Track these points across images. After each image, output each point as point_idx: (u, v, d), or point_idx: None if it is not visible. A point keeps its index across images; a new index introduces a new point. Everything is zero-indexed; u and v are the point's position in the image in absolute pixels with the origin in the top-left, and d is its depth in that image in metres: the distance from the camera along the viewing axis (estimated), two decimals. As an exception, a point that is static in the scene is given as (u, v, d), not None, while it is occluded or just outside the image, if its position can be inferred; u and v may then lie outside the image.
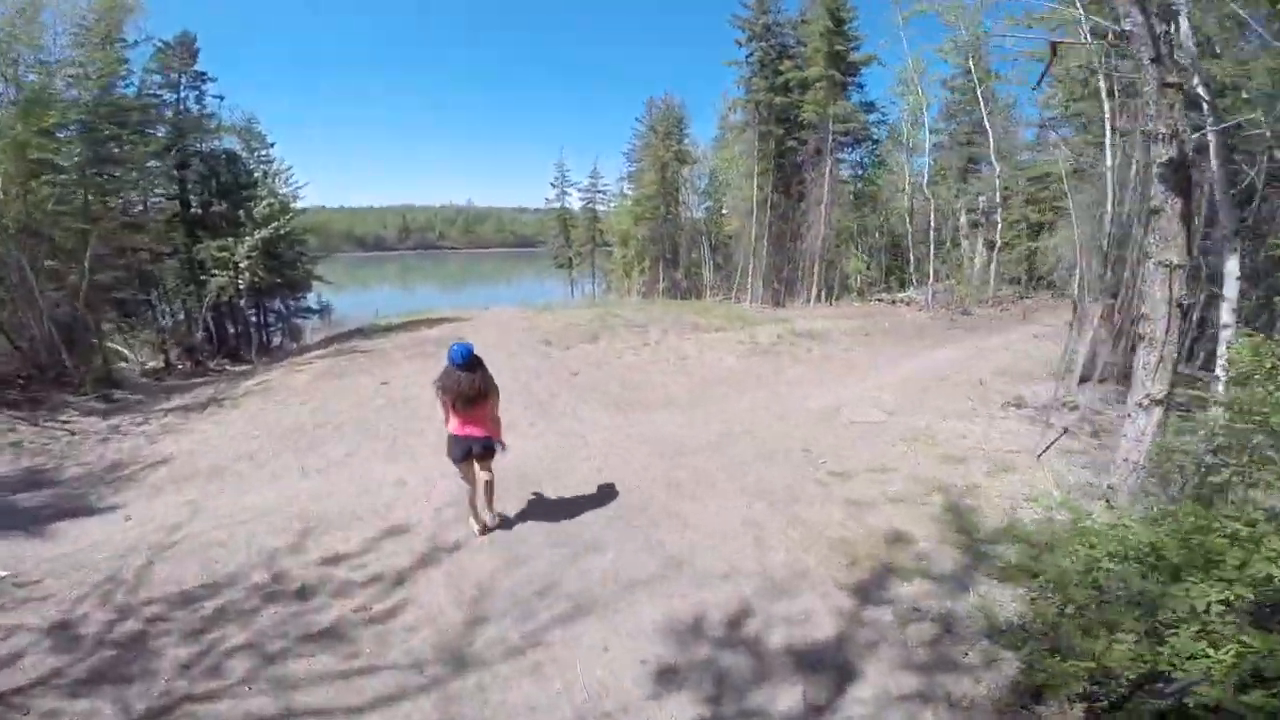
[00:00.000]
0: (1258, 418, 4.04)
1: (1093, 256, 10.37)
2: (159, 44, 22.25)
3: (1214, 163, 5.26)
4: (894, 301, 19.92)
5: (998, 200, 20.26)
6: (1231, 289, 5.09)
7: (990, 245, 21.05)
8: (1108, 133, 10.17)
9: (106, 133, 12.35)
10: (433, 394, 5.15)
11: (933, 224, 20.63)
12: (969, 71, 22.51)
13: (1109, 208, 9.80)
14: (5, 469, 7.44)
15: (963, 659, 4.05)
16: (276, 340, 28.24)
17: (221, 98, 25.18)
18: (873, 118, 25.28)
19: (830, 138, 22.41)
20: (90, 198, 12.12)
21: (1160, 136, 3.19)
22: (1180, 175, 3.17)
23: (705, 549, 5.22)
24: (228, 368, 21.51)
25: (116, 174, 14.10)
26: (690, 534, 5.45)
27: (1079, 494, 6.24)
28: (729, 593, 4.63)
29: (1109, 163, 9.97)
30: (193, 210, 25.07)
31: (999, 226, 20.44)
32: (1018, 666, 3.93)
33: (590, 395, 9.08)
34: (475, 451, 5.02)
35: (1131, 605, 3.17)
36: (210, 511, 5.91)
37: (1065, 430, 8.13)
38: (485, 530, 5.33)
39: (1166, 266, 3.34)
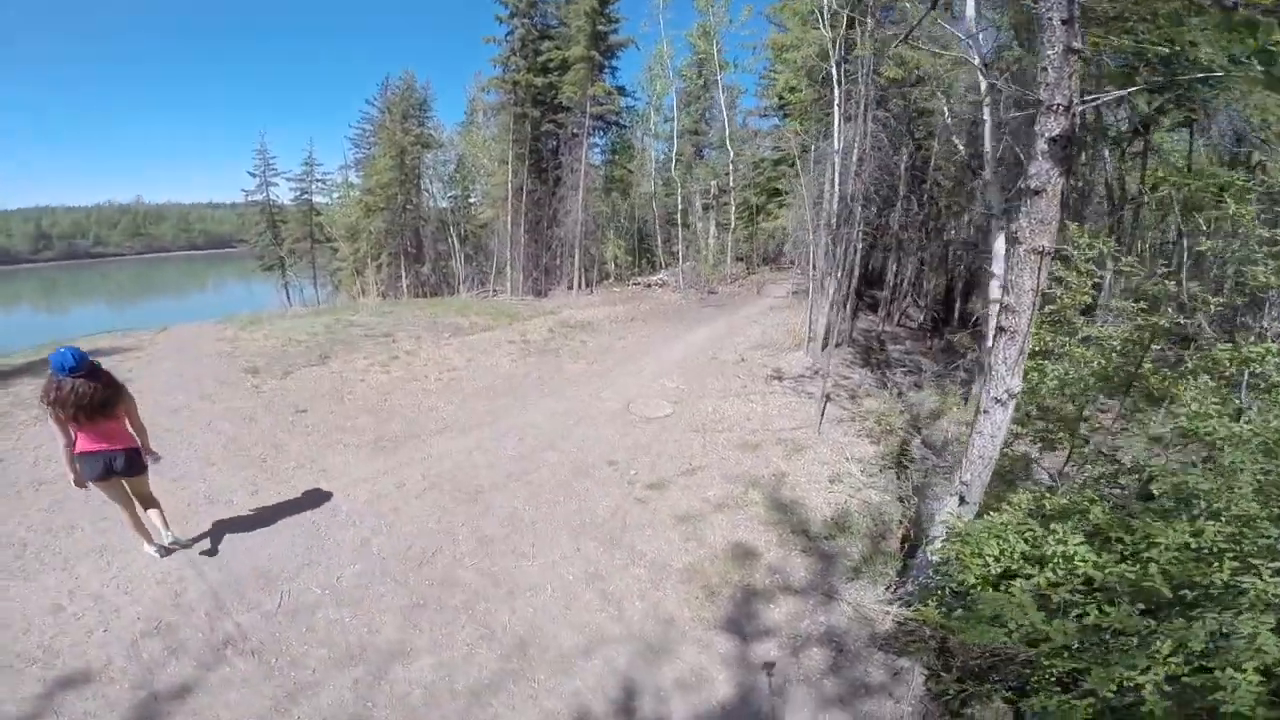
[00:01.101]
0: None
1: (821, 234, 11.38)
2: None
3: (988, 140, 5.63)
4: (649, 285, 20.38)
5: (730, 184, 22.03)
6: (999, 265, 5.50)
7: (722, 227, 22.90)
8: (837, 119, 11.15)
9: None
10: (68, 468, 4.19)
11: (679, 206, 21.60)
12: (702, 61, 24.02)
13: (834, 188, 10.79)
14: None
15: (868, 678, 3.89)
16: None
17: None
18: (624, 102, 25.50)
19: (587, 121, 21.93)
20: None
21: (1055, 108, 2.92)
22: (1067, 153, 2.92)
23: (549, 620, 4.24)
24: None
25: None
26: (523, 604, 4.38)
27: (868, 468, 6.54)
28: (601, 672, 3.83)
29: (836, 146, 10.95)
30: None
31: (732, 208, 22.27)
32: (921, 674, 3.80)
33: (332, 436, 7.05)
34: (118, 467, 4.26)
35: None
36: None
37: (828, 398, 8.67)
38: (165, 552, 4.61)
39: (1038, 253, 3.13)
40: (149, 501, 4.63)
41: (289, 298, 32.75)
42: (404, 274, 26.63)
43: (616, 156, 26.75)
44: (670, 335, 13.32)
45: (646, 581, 4.74)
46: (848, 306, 11.56)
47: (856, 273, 11.30)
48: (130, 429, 4.36)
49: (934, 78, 10.79)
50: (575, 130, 22.77)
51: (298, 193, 34.79)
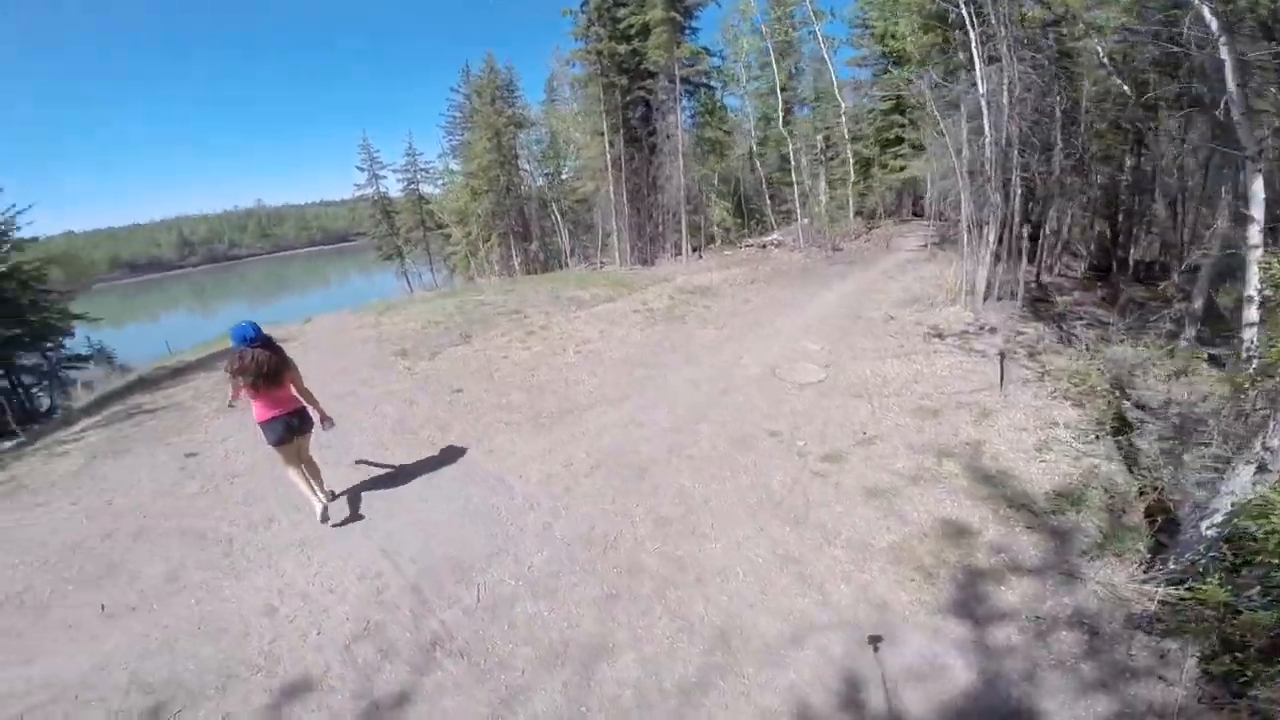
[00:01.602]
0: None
1: (967, 181, 10.27)
2: None
3: (1231, 80, 4.69)
4: (763, 246, 19.50)
5: (845, 135, 20.55)
6: (1258, 210, 4.59)
7: (837, 181, 21.47)
8: (977, 63, 9.96)
9: None
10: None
11: (793, 163, 20.41)
12: (786, 14, 22.45)
13: (990, 132, 9.64)
14: None
15: (1131, 661, 3.43)
16: (45, 403, 22.03)
17: None
18: (713, 62, 24.40)
19: (678, 85, 21.13)
20: None
21: None
22: None
23: (746, 608, 3.95)
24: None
25: None
26: (715, 591, 4.12)
27: (1081, 434, 5.74)
28: (816, 663, 3.52)
29: (982, 89, 9.78)
30: None
31: (850, 161, 20.80)
32: (1193, 655, 3.32)
33: (490, 415, 7.10)
34: (295, 426, 4.74)
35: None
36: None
37: (1003, 356, 7.78)
38: (326, 512, 4.90)
39: None
40: (309, 460, 5.06)
41: (409, 284, 34.49)
42: (514, 253, 27.14)
43: (709, 118, 25.68)
44: (800, 295, 12.63)
45: (848, 563, 4.34)
46: (1009, 256, 10.37)
47: (1018, 219, 10.10)
48: (297, 394, 4.81)
49: (1079, 17, 9.39)
50: (664, 95, 22.07)
51: (405, 183, 36.37)
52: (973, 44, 10.10)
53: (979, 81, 9.99)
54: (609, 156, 21.92)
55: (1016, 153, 9.81)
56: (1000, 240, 10.06)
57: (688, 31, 22.55)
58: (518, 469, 5.78)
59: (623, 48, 22.29)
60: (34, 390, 22.65)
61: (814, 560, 4.38)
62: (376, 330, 11.17)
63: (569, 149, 30.95)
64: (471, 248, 28.04)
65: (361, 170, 36.88)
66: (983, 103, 9.90)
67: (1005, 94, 9.54)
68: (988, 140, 9.68)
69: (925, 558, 4.34)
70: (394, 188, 37.25)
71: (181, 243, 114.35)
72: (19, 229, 21.17)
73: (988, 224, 9.74)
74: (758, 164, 21.04)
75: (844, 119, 20.27)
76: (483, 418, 7.09)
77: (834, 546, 4.52)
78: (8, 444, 15.95)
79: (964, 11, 10.25)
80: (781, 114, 21.81)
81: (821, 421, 6.48)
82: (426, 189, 36.16)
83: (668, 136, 20.85)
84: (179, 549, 5.15)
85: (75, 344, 23.70)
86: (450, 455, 6.18)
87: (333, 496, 5.18)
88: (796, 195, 19.65)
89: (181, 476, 6.39)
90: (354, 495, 5.47)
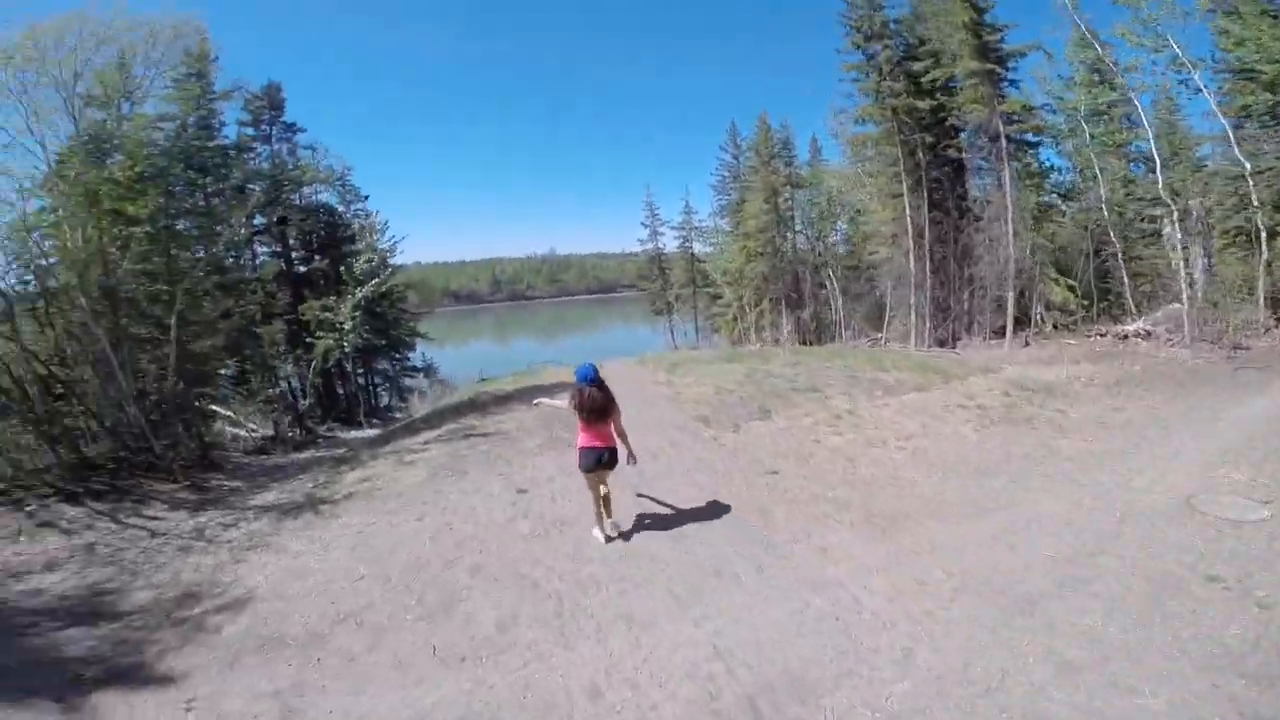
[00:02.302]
0: None
1: None
2: (247, 94, 21.96)
3: None
4: (1123, 337, 15.44)
5: (1253, 199, 15.57)
6: None
7: (1224, 258, 16.42)
8: None
9: (184, 179, 11.17)
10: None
11: (1177, 232, 16.16)
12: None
13: None
14: (70, 583, 6.04)
15: None
16: (384, 400, 27.40)
17: (313, 149, 24.72)
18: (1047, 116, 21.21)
19: (1003, 142, 18.63)
20: (173, 252, 10.69)
21: None
22: None
23: None
24: (338, 433, 20.35)
25: (196, 228, 12.87)
26: None
27: None
28: None
29: None
30: (296, 268, 24.63)
31: (1263, 231, 15.68)
32: None
33: (813, 507, 6.21)
34: (604, 460, 5.37)
35: None
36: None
37: None
38: (609, 539, 5.57)
39: None
40: (607, 495, 5.73)
41: (674, 339, 36.08)
42: (784, 319, 26.45)
43: (1039, 179, 22.13)
44: (1199, 408, 9.53)
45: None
46: None
47: None
48: (614, 433, 5.45)
49: None
50: (981, 154, 19.64)
51: (681, 240, 38.53)
52: None
53: None
54: (909, 221, 20.06)
55: None
56: None
57: (1004, 84, 20.09)
58: (859, 577, 4.91)
59: (923, 103, 20.56)
60: (377, 390, 28.28)
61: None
62: (670, 389, 11.11)
63: (843, 212, 29.51)
64: (740, 310, 28.03)
65: (645, 226, 40.15)
66: None
67: None
68: None
69: None
70: (671, 244, 39.75)
71: (493, 280, 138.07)
72: (396, 255, 26.79)
73: None
74: (1111, 232, 17.07)
75: (1248, 176, 15.40)
76: (805, 508, 6.25)
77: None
78: (364, 432, 19.64)
79: None
80: (1156, 172, 17.52)
81: (1280, 570, 4.45)
82: (699, 248, 37.83)
83: (988, 202, 18.31)
84: (512, 597, 5.09)
85: (413, 357, 29.09)
86: (776, 547, 5.50)
87: (617, 530, 5.69)
88: (1182, 273, 15.21)
89: (514, 513, 6.58)
90: (683, 567, 5.17)
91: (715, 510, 6.22)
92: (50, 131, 9.12)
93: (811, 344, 23.32)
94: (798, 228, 29.49)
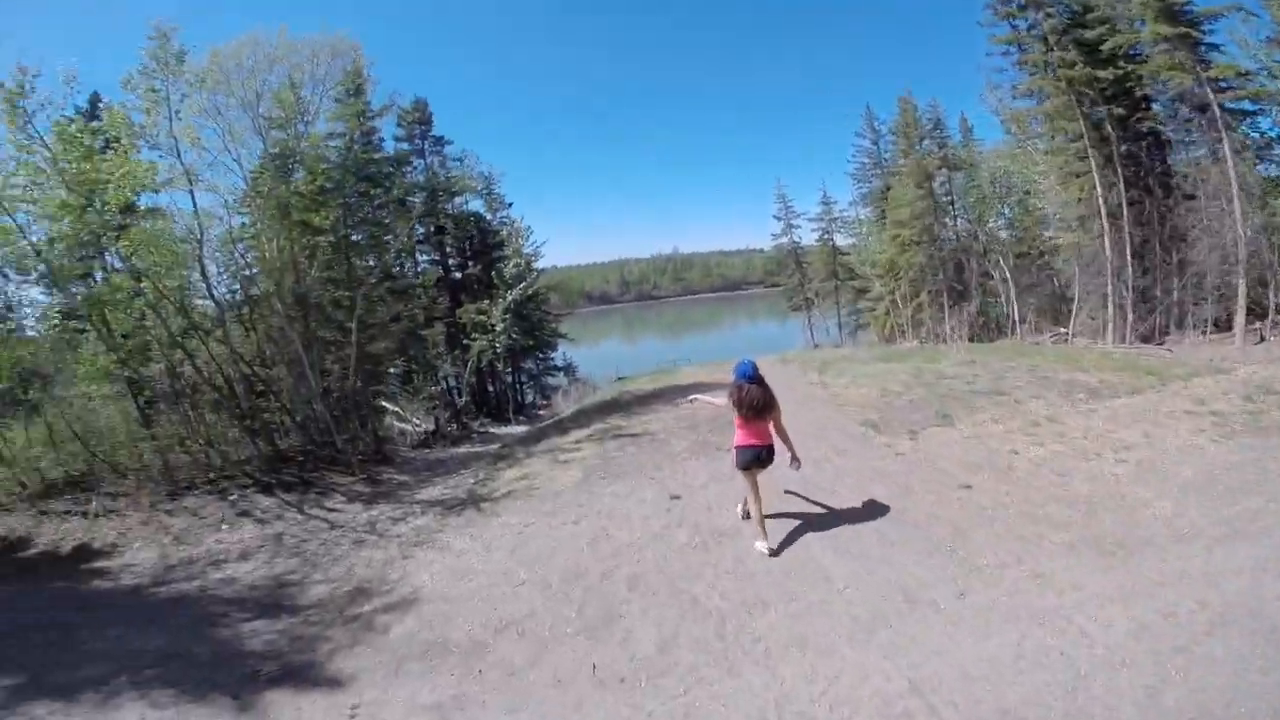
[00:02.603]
0: None
1: None
2: (400, 110, 23.79)
3: None
4: None
5: None
6: None
7: None
8: None
9: (356, 191, 12.10)
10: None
11: None
12: None
13: None
14: (259, 573, 6.56)
15: None
16: (529, 398, 28.78)
17: (462, 159, 26.40)
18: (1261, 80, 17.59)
19: (1218, 111, 15.52)
20: (351, 260, 11.64)
21: None
22: None
23: None
24: (490, 429, 21.57)
25: (369, 237, 13.97)
26: None
27: None
28: None
29: None
30: (453, 274, 26.52)
31: None
32: None
33: (1022, 528, 5.26)
34: (762, 458, 5.23)
35: None
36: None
37: None
38: (773, 554, 5.19)
39: None
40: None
41: (812, 335, 34.45)
42: (947, 314, 24.01)
43: (1261, 151, 18.31)
44: None
45: None
46: None
47: None
48: (774, 432, 5.29)
49: None
50: (1178, 125, 16.48)
51: (820, 233, 36.64)
52: None
53: None
54: (1099, 202, 17.28)
55: None
56: None
57: (1202, 48, 16.81)
58: (1088, 608, 4.13)
59: (1104, 73, 17.68)
60: (524, 388, 29.68)
61: None
62: (825, 390, 10.29)
63: (1008, 194, 26.41)
64: (893, 304, 25.90)
65: (777, 219, 38.66)
66: None
67: None
68: None
69: None
70: (809, 236, 37.95)
71: (621, 281, 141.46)
72: (540, 259, 28.00)
73: None
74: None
75: None
76: (1013, 529, 5.31)
77: None
78: (513, 429, 20.55)
79: None
80: None
81: None
82: (840, 239, 35.75)
83: (1202, 179, 15.29)
84: (672, 613, 4.73)
85: (554, 356, 30.22)
86: (980, 570, 4.72)
87: (772, 552, 5.25)
88: None
89: (669, 520, 6.24)
90: (864, 588, 4.60)
91: (898, 526, 5.48)
92: (245, 150, 10.27)
93: (983, 341, 20.95)
94: (957, 213, 26.85)
